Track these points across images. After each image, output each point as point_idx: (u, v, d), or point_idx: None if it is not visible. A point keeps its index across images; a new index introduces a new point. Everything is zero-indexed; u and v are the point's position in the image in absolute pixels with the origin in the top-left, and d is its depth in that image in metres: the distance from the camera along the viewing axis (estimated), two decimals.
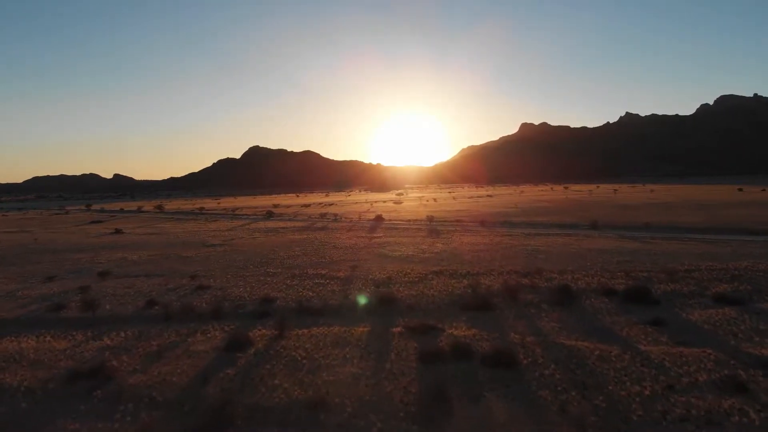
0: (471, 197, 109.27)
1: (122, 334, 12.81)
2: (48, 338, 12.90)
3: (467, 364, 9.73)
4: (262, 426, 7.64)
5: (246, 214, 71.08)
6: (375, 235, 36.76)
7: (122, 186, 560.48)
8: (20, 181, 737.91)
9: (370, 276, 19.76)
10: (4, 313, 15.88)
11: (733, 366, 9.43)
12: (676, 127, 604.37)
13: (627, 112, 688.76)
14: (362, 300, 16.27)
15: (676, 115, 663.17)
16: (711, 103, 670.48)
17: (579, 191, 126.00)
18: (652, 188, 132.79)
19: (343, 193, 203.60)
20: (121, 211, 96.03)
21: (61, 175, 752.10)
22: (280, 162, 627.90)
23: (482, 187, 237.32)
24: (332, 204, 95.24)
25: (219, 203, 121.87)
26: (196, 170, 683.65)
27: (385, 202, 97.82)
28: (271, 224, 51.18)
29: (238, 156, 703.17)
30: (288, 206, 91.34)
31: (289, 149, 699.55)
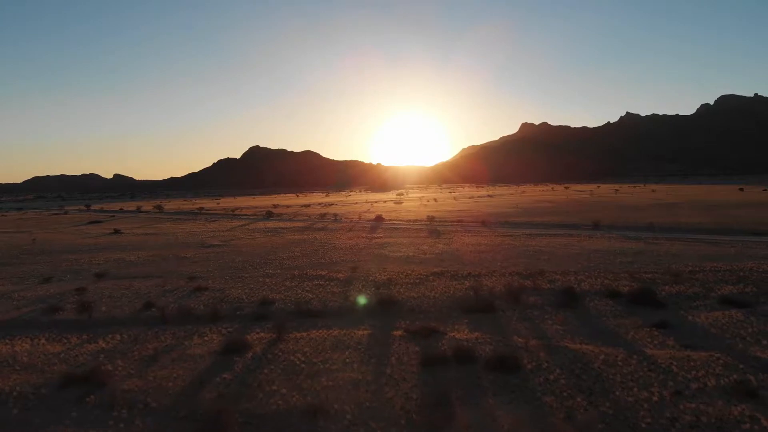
0: (472, 197, 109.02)
1: (118, 337, 12.58)
2: (43, 341, 12.67)
3: (470, 368, 9.50)
4: None
5: (246, 215, 70.83)
6: (375, 235, 36.52)
7: (122, 186, 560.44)
8: (20, 181, 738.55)
9: (371, 277, 19.52)
10: None
11: (742, 370, 9.19)
12: (676, 127, 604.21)
13: (627, 112, 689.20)
14: (362, 300, 16.07)
15: (677, 114, 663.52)
16: (711, 102, 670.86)
17: (580, 191, 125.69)
18: (654, 188, 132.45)
19: (343, 193, 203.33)
20: (120, 211, 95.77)
21: (61, 175, 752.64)
22: (280, 162, 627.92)
23: (483, 187, 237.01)
24: (332, 204, 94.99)
25: (218, 203, 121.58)
26: (197, 170, 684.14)
27: (385, 202, 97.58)
28: (270, 224, 50.94)
29: (238, 156, 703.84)
30: (288, 206, 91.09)
31: (289, 149, 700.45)
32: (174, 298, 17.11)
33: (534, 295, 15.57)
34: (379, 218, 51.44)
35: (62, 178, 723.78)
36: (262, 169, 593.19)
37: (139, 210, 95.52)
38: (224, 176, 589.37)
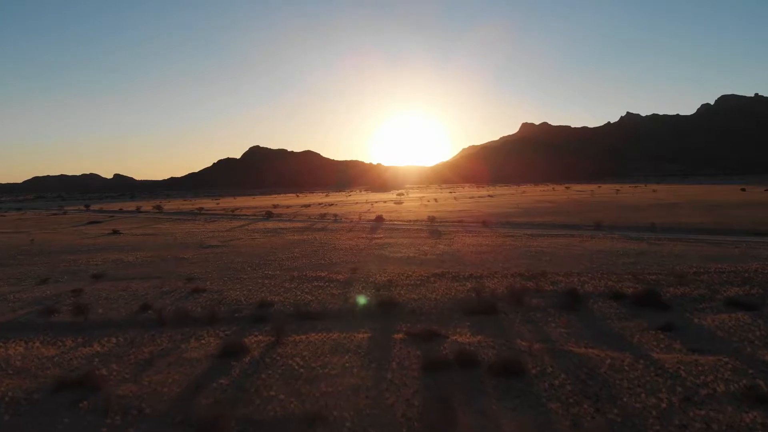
0: (472, 197, 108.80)
1: (113, 340, 12.35)
2: (37, 344, 12.44)
3: (472, 373, 9.27)
4: None
5: (245, 215, 70.62)
6: (375, 236, 36.30)
7: (122, 186, 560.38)
8: (20, 181, 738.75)
9: (371, 278, 19.29)
10: None
11: (752, 375, 8.97)
12: (676, 127, 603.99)
13: (628, 112, 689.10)
14: (362, 300, 15.89)
15: (677, 114, 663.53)
16: (712, 102, 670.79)
17: (581, 191, 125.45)
18: (655, 188, 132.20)
19: (343, 193, 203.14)
20: (120, 211, 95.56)
21: (61, 175, 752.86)
22: (281, 162, 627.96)
23: (483, 187, 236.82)
24: (332, 204, 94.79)
25: (218, 203, 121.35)
26: (197, 170, 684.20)
27: (385, 202, 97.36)
28: (270, 225, 50.73)
29: (238, 156, 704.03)
30: (288, 206, 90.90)
31: (289, 149, 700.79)
32: (171, 299, 16.89)
33: (537, 296, 15.34)
34: (379, 218, 51.22)
35: (62, 178, 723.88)
36: (262, 169, 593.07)
37: (138, 210, 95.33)
38: (224, 176, 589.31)
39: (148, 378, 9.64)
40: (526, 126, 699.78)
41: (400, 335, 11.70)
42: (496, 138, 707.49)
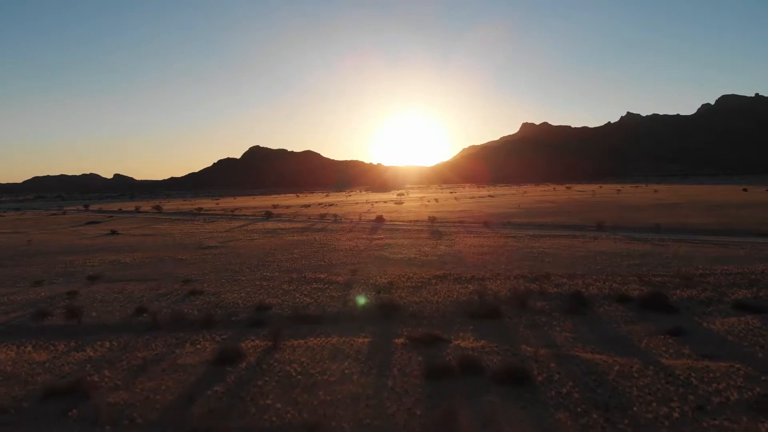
0: (473, 197, 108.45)
1: (107, 345, 12.03)
2: (29, 349, 12.13)
3: (476, 380, 8.93)
4: None
5: (245, 215, 70.29)
6: (376, 236, 35.96)
7: (122, 186, 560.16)
8: (20, 181, 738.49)
9: (371, 280, 18.96)
10: None
11: (765, 382, 8.64)
12: (677, 127, 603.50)
13: (628, 112, 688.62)
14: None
15: (677, 114, 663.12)
16: (712, 102, 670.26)
17: (582, 191, 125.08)
18: (656, 188, 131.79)
19: (343, 193, 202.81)
20: (119, 211, 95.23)
21: (62, 175, 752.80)
22: (281, 162, 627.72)
23: (483, 187, 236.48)
24: (332, 204, 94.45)
25: (218, 203, 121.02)
26: (197, 170, 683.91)
27: (386, 202, 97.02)
28: (269, 225, 50.39)
29: (238, 156, 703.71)
30: (287, 207, 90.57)
31: (289, 149, 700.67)
32: (167, 302, 16.55)
33: (541, 299, 15.00)
34: (379, 219, 50.88)
35: (62, 178, 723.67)
36: (262, 169, 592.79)
37: (137, 210, 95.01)
38: (224, 176, 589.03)
39: (141, 385, 9.31)
40: (526, 126, 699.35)
41: (401, 340, 11.37)
42: (497, 138, 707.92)
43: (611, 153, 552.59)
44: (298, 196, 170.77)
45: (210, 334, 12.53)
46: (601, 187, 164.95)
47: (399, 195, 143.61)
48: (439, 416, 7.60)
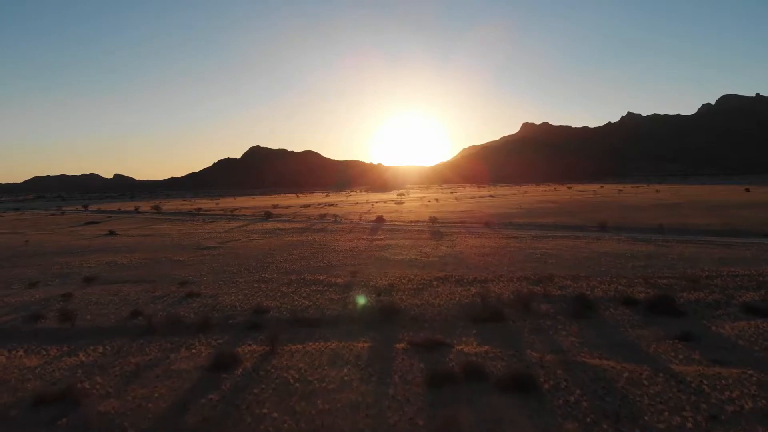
0: (473, 197, 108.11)
1: (100, 349, 11.72)
2: (20, 353, 11.82)
3: (481, 387, 8.61)
4: None
5: (244, 215, 69.94)
6: (376, 237, 35.63)
7: (122, 186, 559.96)
8: (20, 181, 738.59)
9: (371, 282, 18.63)
10: None
11: None
12: (677, 127, 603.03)
13: (629, 112, 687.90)
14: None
15: (678, 114, 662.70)
16: (713, 102, 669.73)
17: (583, 191, 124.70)
18: (658, 188, 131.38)
19: (343, 193, 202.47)
20: (118, 211, 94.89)
21: (61, 175, 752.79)
22: (281, 162, 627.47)
23: (484, 187, 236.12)
24: (332, 204, 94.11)
25: (218, 204, 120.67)
26: (197, 170, 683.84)
27: (386, 202, 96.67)
28: (269, 225, 50.05)
29: (238, 156, 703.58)
30: (287, 207, 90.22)
31: (289, 149, 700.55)
32: (163, 305, 16.22)
33: (545, 302, 14.67)
34: (379, 219, 50.55)
35: (62, 178, 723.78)
36: (263, 169, 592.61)
37: (136, 210, 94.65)
38: (224, 176, 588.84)
39: (133, 392, 9.00)
40: (526, 126, 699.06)
41: (402, 345, 11.04)
42: (497, 138, 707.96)
43: (612, 153, 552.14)
44: (298, 196, 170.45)
45: (206, 339, 12.22)
46: (602, 187, 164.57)
47: (399, 195, 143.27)
48: (442, 425, 7.28)
